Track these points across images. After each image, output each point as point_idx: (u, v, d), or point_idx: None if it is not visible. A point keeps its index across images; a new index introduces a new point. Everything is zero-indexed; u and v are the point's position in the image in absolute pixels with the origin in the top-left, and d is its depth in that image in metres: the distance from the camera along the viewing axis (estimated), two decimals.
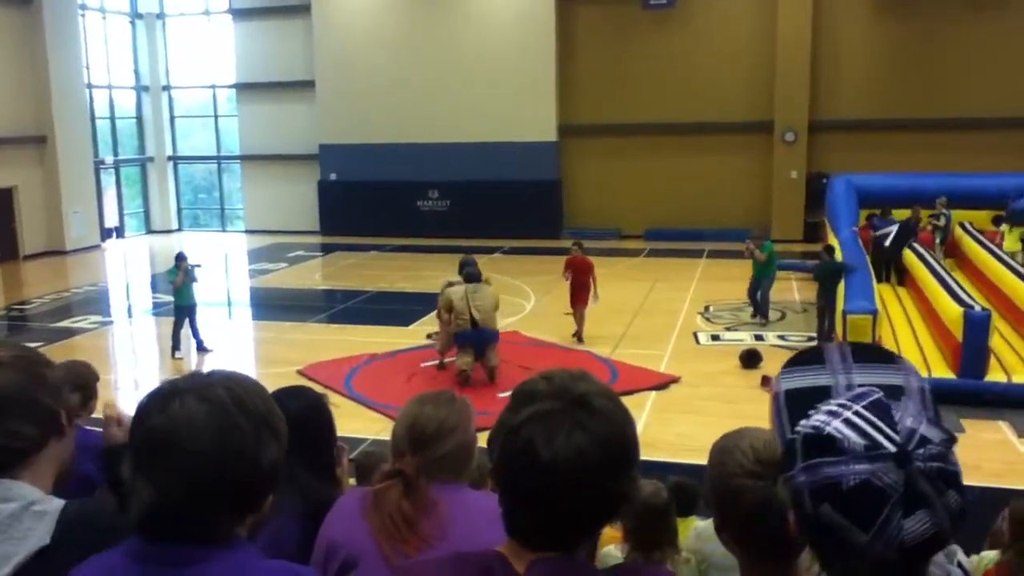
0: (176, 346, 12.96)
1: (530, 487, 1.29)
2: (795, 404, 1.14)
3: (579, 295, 13.41)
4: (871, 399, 1.08)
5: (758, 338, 13.31)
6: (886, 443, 1.03)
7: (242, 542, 1.40)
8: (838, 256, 13.84)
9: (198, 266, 13.29)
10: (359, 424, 9.51)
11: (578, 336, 13.30)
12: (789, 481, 1.10)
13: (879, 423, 1.05)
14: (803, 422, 1.10)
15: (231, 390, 1.37)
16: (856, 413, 1.07)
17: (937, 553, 1.07)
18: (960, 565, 4.12)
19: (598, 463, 1.28)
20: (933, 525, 1.02)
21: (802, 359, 1.20)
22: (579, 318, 13.39)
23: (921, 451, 1.03)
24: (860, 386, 1.13)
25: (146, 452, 1.33)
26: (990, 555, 4.26)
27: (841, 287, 12.40)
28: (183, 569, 1.33)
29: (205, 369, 1.48)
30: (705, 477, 1.71)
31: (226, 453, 1.32)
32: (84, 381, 3.66)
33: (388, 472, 2.07)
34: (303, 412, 2.57)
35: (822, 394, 1.12)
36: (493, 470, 1.37)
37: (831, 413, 1.08)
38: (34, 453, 1.60)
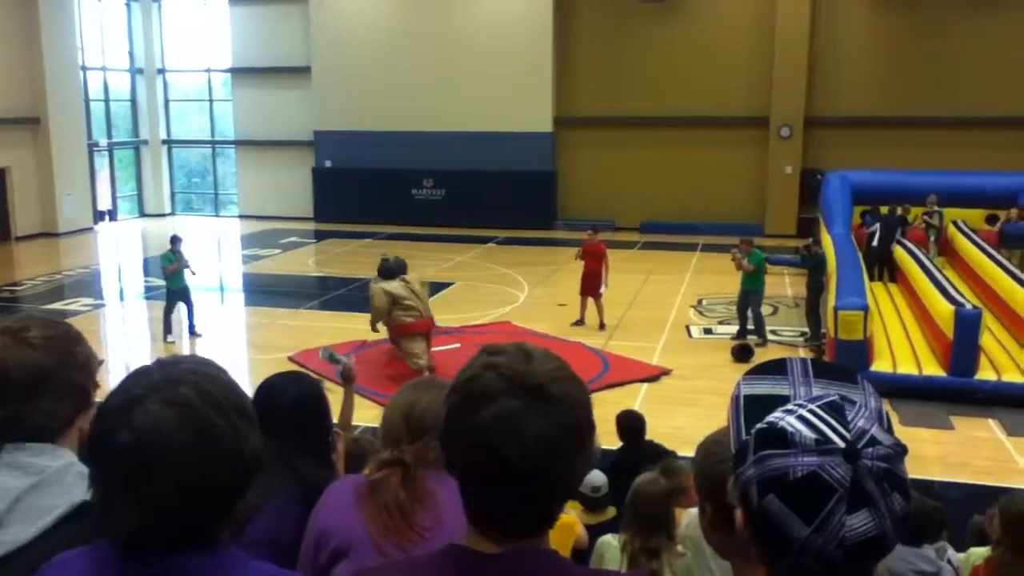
0: (168, 329, 13.00)
1: (501, 486, 1.29)
2: (752, 408, 1.16)
3: (588, 284, 13.51)
4: (827, 400, 1.10)
5: (750, 332, 13.33)
6: (836, 439, 1.05)
7: (225, 545, 1.33)
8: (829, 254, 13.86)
9: (189, 267, 13.21)
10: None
11: (600, 324, 13.44)
12: (739, 477, 1.11)
13: (831, 420, 1.07)
14: (758, 424, 1.11)
15: (196, 385, 1.26)
16: (810, 411, 1.08)
17: (883, 559, 1.07)
18: (950, 562, 4.16)
19: (565, 450, 1.29)
20: (875, 526, 1.03)
21: (765, 368, 1.23)
22: (598, 307, 13.51)
23: (870, 450, 1.04)
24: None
25: (120, 474, 1.23)
26: (978, 551, 4.29)
27: (833, 283, 12.42)
28: None
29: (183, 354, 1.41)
30: (694, 476, 1.71)
31: (208, 455, 1.23)
32: None
33: (388, 460, 2.03)
34: (301, 398, 2.58)
35: (780, 402, 1.14)
36: (453, 467, 1.34)
37: (786, 411, 1.10)
38: (67, 427, 1.67)
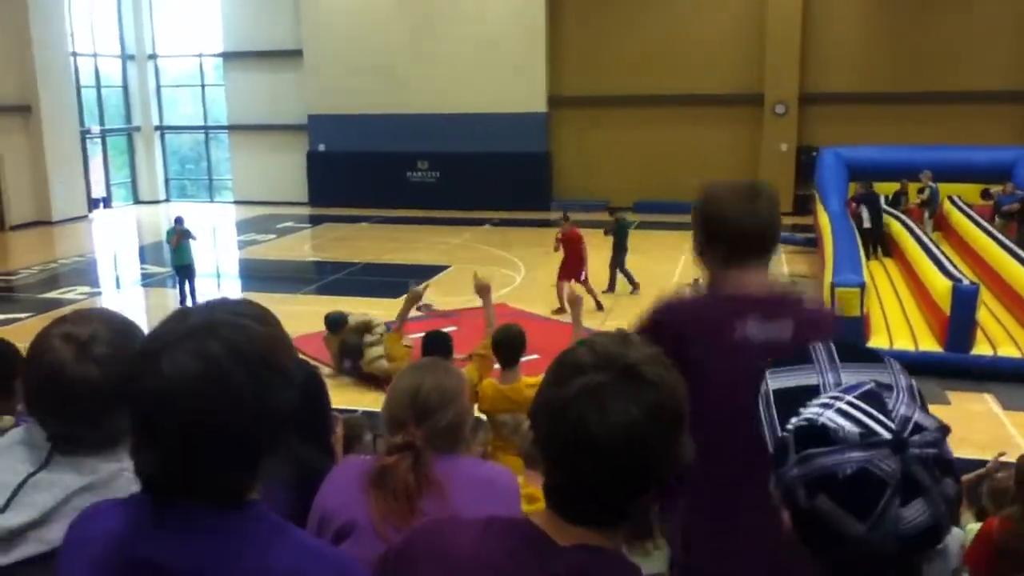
0: (182, 301, 13.60)
1: (582, 464, 1.23)
2: (783, 403, 1.13)
3: (573, 268, 13.48)
4: (863, 389, 1.07)
5: None
6: (881, 430, 1.02)
7: (256, 504, 1.33)
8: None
9: (192, 236, 13.85)
10: (347, 396, 9.53)
11: (598, 305, 13.39)
12: (781, 478, 1.09)
13: (873, 411, 1.04)
14: (794, 419, 1.09)
15: (227, 339, 1.26)
16: (849, 403, 1.06)
17: (935, 547, 1.06)
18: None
19: (651, 435, 1.22)
20: (931, 515, 1.01)
21: (789, 359, 1.20)
22: (588, 290, 13.48)
23: (917, 438, 1.02)
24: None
25: (145, 415, 1.27)
26: (973, 527, 4.31)
27: (829, 260, 12.41)
28: (198, 536, 1.27)
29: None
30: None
31: (225, 410, 1.24)
32: None
33: (399, 445, 2.01)
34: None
35: (810, 393, 1.11)
36: (538, 445, 1.31)
37: (823, 405, 1.07)
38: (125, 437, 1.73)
